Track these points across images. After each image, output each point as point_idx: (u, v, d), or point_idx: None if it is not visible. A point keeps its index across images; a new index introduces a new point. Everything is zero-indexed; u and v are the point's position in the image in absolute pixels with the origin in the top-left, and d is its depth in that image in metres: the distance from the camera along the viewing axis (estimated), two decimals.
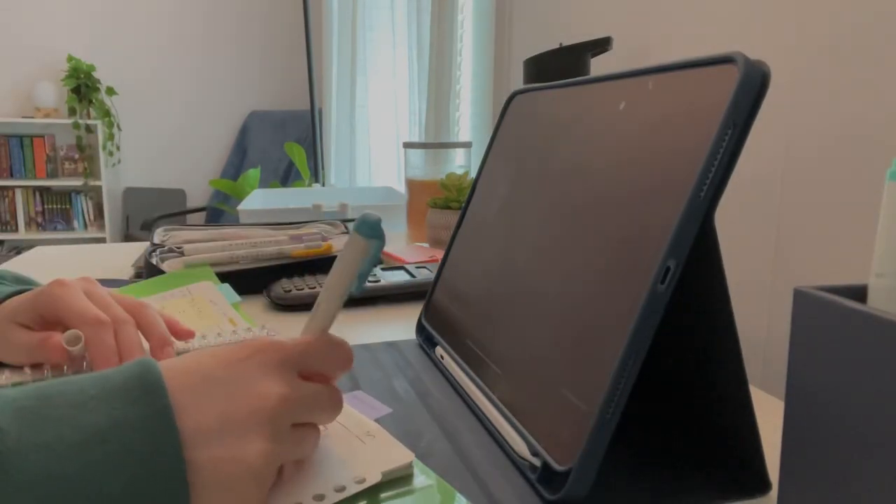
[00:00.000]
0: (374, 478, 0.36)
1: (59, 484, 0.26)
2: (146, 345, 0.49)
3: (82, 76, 3.57)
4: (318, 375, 0.36)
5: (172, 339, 0.51)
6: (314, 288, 0.76)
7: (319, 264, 0.84)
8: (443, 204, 1.08)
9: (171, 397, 0.30)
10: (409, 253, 0.99)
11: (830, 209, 0.84)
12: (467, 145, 1.22)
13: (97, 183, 3.71)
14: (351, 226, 0.35)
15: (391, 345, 0.63)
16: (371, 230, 0.35)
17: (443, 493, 0.37)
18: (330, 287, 0.37)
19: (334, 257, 0.86)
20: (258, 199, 1.48)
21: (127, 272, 0.92)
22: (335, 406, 0.37)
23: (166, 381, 0.30)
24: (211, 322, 0.65)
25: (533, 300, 0.45)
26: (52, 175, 3.75)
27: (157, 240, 0.91)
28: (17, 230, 3.76)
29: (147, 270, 0.80)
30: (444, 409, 0.49)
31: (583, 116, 0.48)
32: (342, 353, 0.37)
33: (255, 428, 0.31)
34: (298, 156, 2.90)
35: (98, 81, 3.64)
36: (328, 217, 1.16)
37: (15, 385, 0.47)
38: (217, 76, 3.92)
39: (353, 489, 0.35)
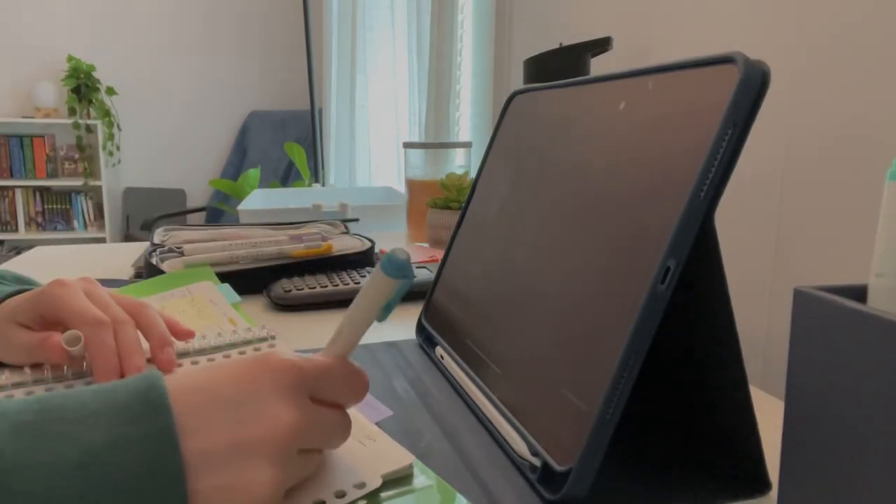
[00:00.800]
0: (374, 482, 0.36)
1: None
2: (146, 345, 0.49)
3: (82, 76, 3.57)
4: (330, 402, 0.35)
5: (172, 339, 0.51)
6: (314, 288, 0.76)
7: (319, 264, 0.84)
8: (443, 204, 1.08)
9: (176, 417, 0.29)
10: (409, 253, 0.99)
11: (830, 209, 0.84)
12: (467, 145, 1.22)
13: (97, 183, 3.71)
14: (378, 263, 0.34)
15: (391, 345, 0.63)
16: (397, 270, 0.34)
17: (443, 493, 0.37)
18: (352, 316, 0.36)
19: (334, 257, 0.86)
20: (258, 199, 1.48)
21: (127, 272, 0.92)
22: (344, 434, 0.36)
23: (173, 399, 0.29)
24: (211, 322, 0.64)
25: (533, 300, 0.45)
26: (52, 175, 3.75)
27: (157, 240, 0.91)
28: (17, 230, 3.76)
29: (147, 270, 0.80)
30: (444, 409, 0.49)
31: (583, 116, 0.48)
32: (358, 383, 0.36)
33: (264, 455, 0.30)
34: (298, 156, 2.90)
35: (98, 81, 3.64)
36: (328, 217, 1.16)
37: (15, 385, 0.47)
38: (217, 76, 3.92)
39: (354, 494, 0.35)
